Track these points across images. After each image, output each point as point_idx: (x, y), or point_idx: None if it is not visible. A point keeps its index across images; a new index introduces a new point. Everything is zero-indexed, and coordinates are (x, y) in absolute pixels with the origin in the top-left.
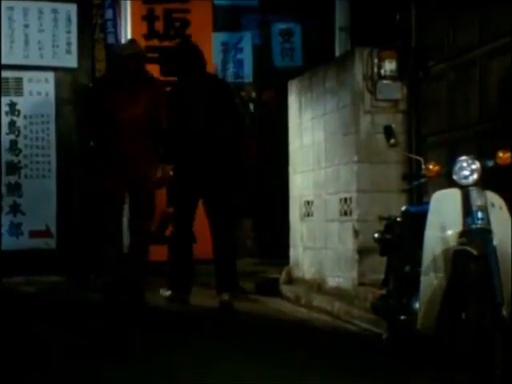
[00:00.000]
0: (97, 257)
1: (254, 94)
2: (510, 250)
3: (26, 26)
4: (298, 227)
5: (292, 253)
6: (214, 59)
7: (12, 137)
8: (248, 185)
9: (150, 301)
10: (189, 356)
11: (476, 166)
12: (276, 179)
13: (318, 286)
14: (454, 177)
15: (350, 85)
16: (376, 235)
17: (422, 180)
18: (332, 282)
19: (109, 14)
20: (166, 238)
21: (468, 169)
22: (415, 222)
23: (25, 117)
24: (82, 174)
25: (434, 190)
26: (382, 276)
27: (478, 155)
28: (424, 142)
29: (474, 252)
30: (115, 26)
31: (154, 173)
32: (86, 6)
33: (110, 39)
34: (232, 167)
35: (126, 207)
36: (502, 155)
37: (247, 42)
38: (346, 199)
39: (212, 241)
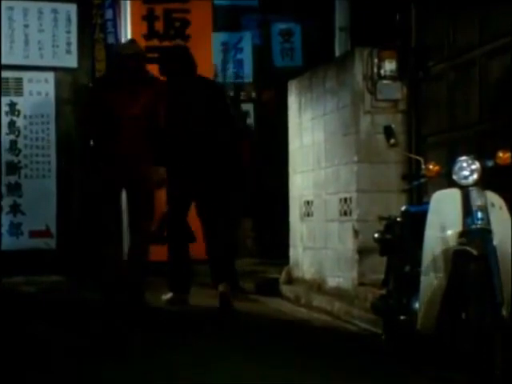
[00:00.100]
0: (97, 257)
1: (254, 94)
2: (510, 250)
3: (26, 26)
4: (297, 227)
5: (292, 253)
6: (214, 59)
7: (12, 137)
8: (248, 185)
9: (149, 301)
10: (188, 356)
11: (476, 166)
12: (276, 179)
13: (317, 286)
14: (454, 177)
15: (350, 85)
16: (376, 235)
17: (422, 180)
18: (332, 282)
19: (109, 14)
20: (166, 238)
21: (468, 169)
22: (415, 221)
23: (25, 117)
24: (82, 174)
25: (434, 190)
26: (381, 276)
27: (478, 155)
28: (424, 142)
29: (474, 252)
30: (115, 26)
31: (154, 173)
32: (86, 6)
33: (110, 39)
34: (224, 168)
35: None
36: (502, 155)
37: (247, 42)
38: (345, 199)
39: (205, 241)
